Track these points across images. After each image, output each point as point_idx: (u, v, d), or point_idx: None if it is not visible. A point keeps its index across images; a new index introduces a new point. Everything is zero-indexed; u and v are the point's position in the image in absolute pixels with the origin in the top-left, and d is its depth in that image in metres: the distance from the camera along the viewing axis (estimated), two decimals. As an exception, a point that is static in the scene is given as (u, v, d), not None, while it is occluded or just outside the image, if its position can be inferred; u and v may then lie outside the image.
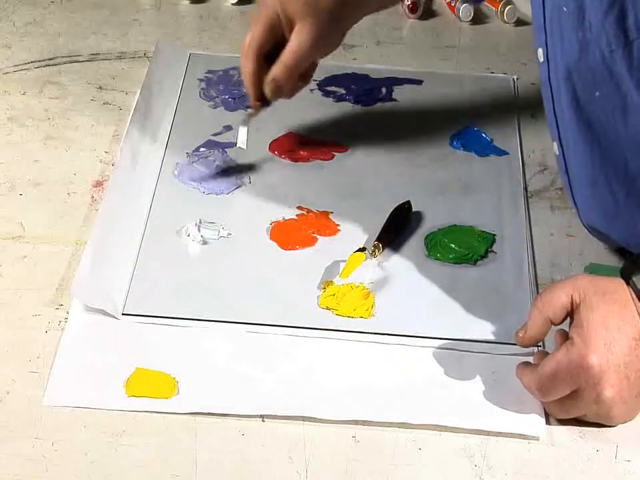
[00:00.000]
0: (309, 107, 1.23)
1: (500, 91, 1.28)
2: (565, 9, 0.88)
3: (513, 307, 0.96)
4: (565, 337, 0.84)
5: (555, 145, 0.97)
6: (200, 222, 1.04)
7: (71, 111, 1.21)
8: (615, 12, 0.84)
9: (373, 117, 1.23)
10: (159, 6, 1.44)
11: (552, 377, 0.82)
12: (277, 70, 1.06)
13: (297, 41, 1.04)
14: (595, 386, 0.81)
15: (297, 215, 1.07)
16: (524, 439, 0.84)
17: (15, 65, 1.29)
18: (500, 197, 1.10)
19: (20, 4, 1.42)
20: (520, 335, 0.87)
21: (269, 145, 1.17)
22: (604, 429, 0.85)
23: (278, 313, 0.95)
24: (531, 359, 0.88)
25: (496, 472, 0.82)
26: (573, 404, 0.83)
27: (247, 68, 1.08)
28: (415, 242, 1.04)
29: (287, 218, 1.06)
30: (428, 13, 1.42)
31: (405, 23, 1.41)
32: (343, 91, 1.26)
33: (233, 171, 1.12)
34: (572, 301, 0.84)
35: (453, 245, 1.03)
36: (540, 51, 0.94)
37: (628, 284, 0.83)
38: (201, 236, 1.03)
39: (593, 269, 0.98)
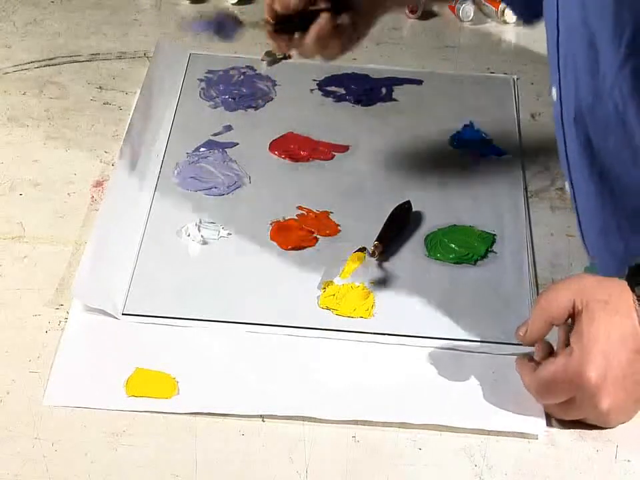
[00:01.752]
0: (309, 107, 1.23)
1: (500, 91, 1.28)
2: (580, 55, 0.86)
3: (513, 307, 0.96)
4: (569, 331, 0.84)
5: (567, 185, 0.95)
6: (200, 222, 1.04)
7: (71, 111, 1.21)
8: (630, 65, 0.82)
9: (372, 116, 1.23)
10: (159, 6, 1.44)
11: (549, 384, 0.82)
12: None
13: None
14: (591, 398, 0.81)
15: (297, 215, 1.07)
16: (524, 438, 0.84)
17: (15, 65, 1.29)
18: (500, 197, 1.10)
19: (20, 4, 1.42)
20: (520, 333, 0.86)
21: (269, 144, 1.17)
22: (604, 429, 0.85)
23: (278, 313, 0.95)
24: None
25: (496, 472, 0.82)
26: (570, 408, 0.83)
27: None
28: (415, 242, 1.04)
29: (287, 218, 1.06)
30: (428, 13, 1.42)
31: (405, 23, 1.41)
32: (343, 91, 1.27)
33: (232, 169, 1.13)
34: (574, 305, 0.83)
35: (453, 245, 1.03)
36: (554, 89, 0.91)
37: (634, 291, 0.82)
38: (201, 236, 1.03)
39: (593, 269, 0.98)
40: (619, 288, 0.83)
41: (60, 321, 0.93)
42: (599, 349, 0.80)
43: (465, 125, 1.20)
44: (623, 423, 0.84)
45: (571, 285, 0.84)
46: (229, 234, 1.04)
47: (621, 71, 0.82)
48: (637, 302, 0.81)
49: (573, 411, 0.84)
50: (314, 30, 1.03)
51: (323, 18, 1.03)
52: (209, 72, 1.29)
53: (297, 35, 1.05)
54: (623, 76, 0.82)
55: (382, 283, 0.99)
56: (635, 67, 0.82)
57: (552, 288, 0.86)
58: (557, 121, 0.92)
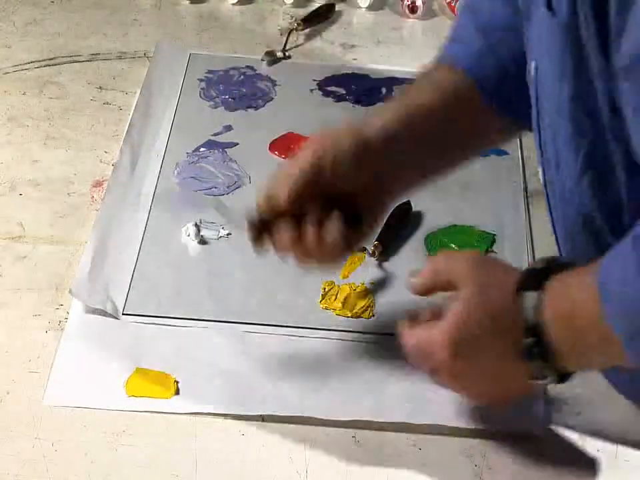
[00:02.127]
0: (309, 107, 1.23)
1: (500, 90, 1.28)
2: (550, 148, 0.82)
3: (513, 307, 0.96)
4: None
5: None
6: (200, 222, 1.04)
7: (71, 111, 1.22)
8: (588, 178, 0.77)
9: (373, 117, 1.22)
10: (159, 6, 1.44)
11: (413, 347, 0.82)
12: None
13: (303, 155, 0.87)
14: (445, 379, 0.82)
15: (297, 215, 1.06)
16: (524, 438, 0.84)
17: (15, 65, 1.29)
18: (500, 197, 1.10)
19: (20, 4, 1.42)
20: (412, 281, 0.84)
21: (269, 145, 1.17)
22: (604, 429, 0.85)
23: (278, 313, 0.95)
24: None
25: (496, 472, 0.82)
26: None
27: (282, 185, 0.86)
28: (415, 242, 1.04)
29: (287, 218, 1.06)
30: (428, 13, 1.42)
31: (405, 23, 1.41)
32: (343, 91, 1.26)
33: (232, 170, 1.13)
34: (458, 281, 0.80)
35: (453, 245, 1.03)
36: (540, 169, 0.86)
37: (518, 292, 0.77)
38: (201, 236, 1.03)
39: None
40: (506, 283, 0.78)
41: (60, 321, 0.93)
42: (460, 335, 0.78)
43: (465, 125, 1.20)
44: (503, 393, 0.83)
45: (463, 262, 0.81)
46: (229, 234, 1.04)
47: (580, 183, 0.79)
48: (518, 300, 0.77)
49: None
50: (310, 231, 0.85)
51: (311, 220, 0.85)
52: (209, 72, 1.29)
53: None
54: (582, 190, 0.79)
55: (382, 283, 0.99)
56: (593, 180, 0.77)
57: (446, 259, 0.83)
58: (546, 200, 0.88)
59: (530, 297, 0.76)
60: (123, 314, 0.94)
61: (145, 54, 1.32)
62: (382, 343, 0.93)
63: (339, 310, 0.96)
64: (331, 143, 0.86)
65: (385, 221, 1.04)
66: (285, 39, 1.36)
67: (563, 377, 0.78)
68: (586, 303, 0.73)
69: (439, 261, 0.84)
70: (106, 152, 1.15)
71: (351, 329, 0.94)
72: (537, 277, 0.77)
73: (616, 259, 0.72)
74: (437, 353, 0.79)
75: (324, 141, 0.86)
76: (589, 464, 0.83)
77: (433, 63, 0.93)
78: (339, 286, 0.98)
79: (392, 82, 1.28)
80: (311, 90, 1.26)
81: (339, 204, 0.85)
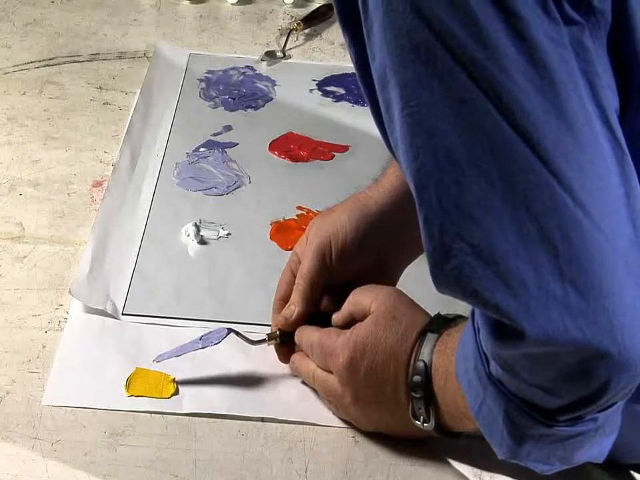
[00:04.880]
0: (308, 107, 1.23)
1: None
2: None
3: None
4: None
5: None
6: (200, 222, 1.04)
7: (71, 111, 1.22)
8: None
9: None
10: (159, 6, 1.44)
11: (316, 347, 0.83)
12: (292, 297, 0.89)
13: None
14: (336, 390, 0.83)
15: (297, 215, 1.07)
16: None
17: (15, 65, 1.29)
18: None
19: (20, 4, 1.42)
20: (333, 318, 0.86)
21: (269, 144, 1.17)
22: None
23: (278, 313, 0.95)
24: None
25: (496, 472, 0.82)
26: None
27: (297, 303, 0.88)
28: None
29: (287, 218, 1.06)
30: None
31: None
32: (343, 91, 1.27)
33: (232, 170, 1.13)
34: (370, 306, 0.82)
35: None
36: None
37: (422, 331, 0.79)
38: (201, 236, 1.03)
39: None
40: (414, 320, 0.81)
41: (60, 321, 0.93)
42: (361, 346, 0.80)
43: (465, 125, 1.20)
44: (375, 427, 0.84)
45: (380, 291, 0.83)
46: (229, 234, 1.04)
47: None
48: (419, 338, 0.79)
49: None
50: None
51: None
52: (209, 72, 1.29)
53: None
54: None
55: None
56: None
57: (366, 290, 0.84)
58: None
59: (430, 338, 0.78)
60: (122, 314, 0.94)
61: (144, 54, 1.32)
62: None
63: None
64: (331, 229, 0.87)
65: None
66: (284, 39, 1.36)
67: (451, 433, 0.79)
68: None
69: (358, 292, 0.85)
70: (106, 152, 1.15)
71: (350, 329, 0.94)
72: (443, 323, 0.79)
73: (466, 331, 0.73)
74: (335, 357, 0.81)
75: (324, 227, 0.88)
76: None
77: None
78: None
79: (392, 82, 1.28)
80: (311, 90, 1.26)
81: (348, 288, 0.86)
